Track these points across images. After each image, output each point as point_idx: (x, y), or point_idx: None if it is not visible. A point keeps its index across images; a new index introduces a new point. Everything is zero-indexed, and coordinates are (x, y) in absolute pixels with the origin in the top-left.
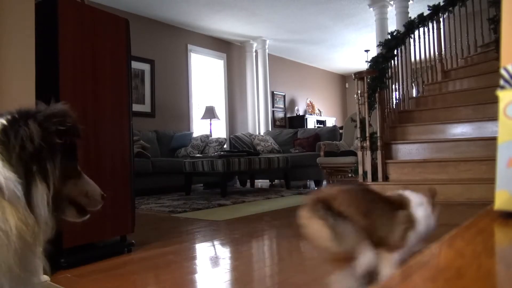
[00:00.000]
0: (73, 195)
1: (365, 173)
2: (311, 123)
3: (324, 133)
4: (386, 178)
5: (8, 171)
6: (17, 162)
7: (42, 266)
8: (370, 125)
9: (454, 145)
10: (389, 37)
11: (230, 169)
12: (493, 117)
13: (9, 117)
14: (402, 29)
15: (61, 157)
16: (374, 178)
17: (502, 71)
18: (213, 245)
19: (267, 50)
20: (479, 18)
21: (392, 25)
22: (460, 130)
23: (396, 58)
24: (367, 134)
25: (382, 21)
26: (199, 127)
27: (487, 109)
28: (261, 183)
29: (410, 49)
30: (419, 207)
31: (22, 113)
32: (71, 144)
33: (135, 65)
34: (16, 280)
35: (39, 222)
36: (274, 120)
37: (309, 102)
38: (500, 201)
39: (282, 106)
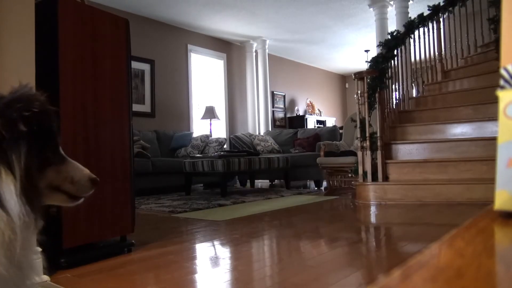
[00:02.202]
0: (56, 183)
1: (365, 173)
2: (311, 123)
3: (324, 133)
4: (386, 178)
5: None
6: None
7: (41, 265)
8: (370, 125)
9: (454, 145)
10: (389, 37)
11: (230, 169)
12: (493, 117)
13: None
14: (402, 29)
15: (31, 145)
16: (374, 178)
17: (502, 71)
18: (213, 245)
19: (267, 50)
20: (479, 18)
21: (392, 25)
22: (460, 130)
23: (396, 58)
24: (367, 134)
25: (382, 21)
26: (199, 127)
27: (487, 109)
28: (261, 183)
29: (410, 49)
30: None
31: None
32: (46, 130)
33: (135, 65)
34: (6, 282)
35: (12, 216)
36: (274, 120)
37: (309, 102)
38: (500, 201)
39: (282, 106)
